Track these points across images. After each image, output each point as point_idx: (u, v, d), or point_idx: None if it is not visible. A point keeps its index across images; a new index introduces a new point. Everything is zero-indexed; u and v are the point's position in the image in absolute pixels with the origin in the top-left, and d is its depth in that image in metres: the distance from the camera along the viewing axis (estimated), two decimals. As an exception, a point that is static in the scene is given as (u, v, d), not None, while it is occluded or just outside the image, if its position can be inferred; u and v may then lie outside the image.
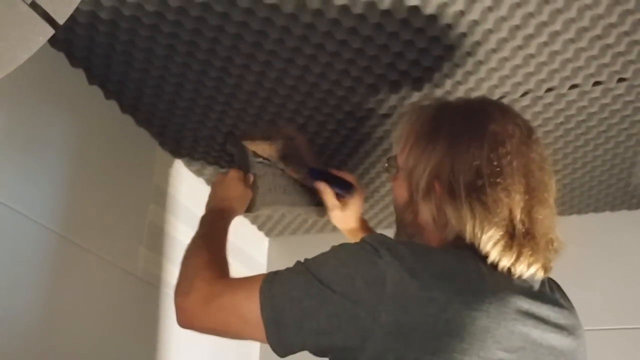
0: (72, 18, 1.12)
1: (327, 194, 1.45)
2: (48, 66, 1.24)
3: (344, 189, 1.45)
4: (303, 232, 1.96)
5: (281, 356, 0.96)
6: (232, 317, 0.99)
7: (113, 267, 1.36)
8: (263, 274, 0.99)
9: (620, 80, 1.28)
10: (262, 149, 1.50)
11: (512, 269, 0.95)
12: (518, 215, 0.96)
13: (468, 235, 0.96)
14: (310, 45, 1.19)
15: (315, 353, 0.96)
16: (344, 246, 0.98)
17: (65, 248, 1.24)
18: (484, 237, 0.95)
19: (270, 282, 0.96)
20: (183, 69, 1.28)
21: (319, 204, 1.52)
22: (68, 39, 1.22)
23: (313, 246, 1.02)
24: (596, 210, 1.79)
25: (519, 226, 0.96)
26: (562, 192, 1.69)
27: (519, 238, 0.95)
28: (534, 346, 0.92)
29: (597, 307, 1.70)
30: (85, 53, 1.26)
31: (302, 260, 0.98)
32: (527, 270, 0.95)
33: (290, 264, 1.00)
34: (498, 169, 0.97)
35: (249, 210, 1.40)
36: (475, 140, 0.99)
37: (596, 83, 1.29)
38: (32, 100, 1.20)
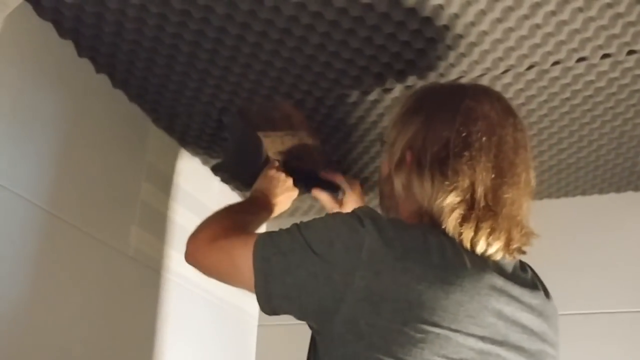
0: (59, -17, 1.07)
1: (323, 199, 1.53)
2: (35, 37, 1.19)
3: (330, 192, 1.52)
4: (288, 215, 1.91)
5: (266, 312, 1.00)
6: (226, 259, 1.07)
7: (103, 246, 1.31)
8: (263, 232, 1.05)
9: (631, 52, 1.23)
10: (271, 141, 1.49)
11: (474, 246, 0.95)
12: (481, 191, 0.97)
13: (427, 204, 0.99)
14: (307, 14, 1.14)
15: (297, 314, 0.99)
16: (334, 214, 1.03)
17: (53, 225, 1.19)
18: (441, 204, 0.96)
19: (265, 237, 1.02)
20: (176, 40, 1.23)
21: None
22: (56, 8, 1.17)
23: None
24: (601, 191, 1.74)
25: (480, 201, 0.97)
26: (567, 172, 1.65)
27: (477, 211, 0.96)
28: (506, 322, 0.94)
29: (601, 290, 1.67)
30: (74, 23, 1.21)
31: (298, 222, 1.02)
32: (487, 247, 0.95)
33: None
34: (466, 143, 0.99)
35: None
36: (449, 114, 1.02)
37: (605, 55, 1.23)
38: (19, 72, 1.15)
